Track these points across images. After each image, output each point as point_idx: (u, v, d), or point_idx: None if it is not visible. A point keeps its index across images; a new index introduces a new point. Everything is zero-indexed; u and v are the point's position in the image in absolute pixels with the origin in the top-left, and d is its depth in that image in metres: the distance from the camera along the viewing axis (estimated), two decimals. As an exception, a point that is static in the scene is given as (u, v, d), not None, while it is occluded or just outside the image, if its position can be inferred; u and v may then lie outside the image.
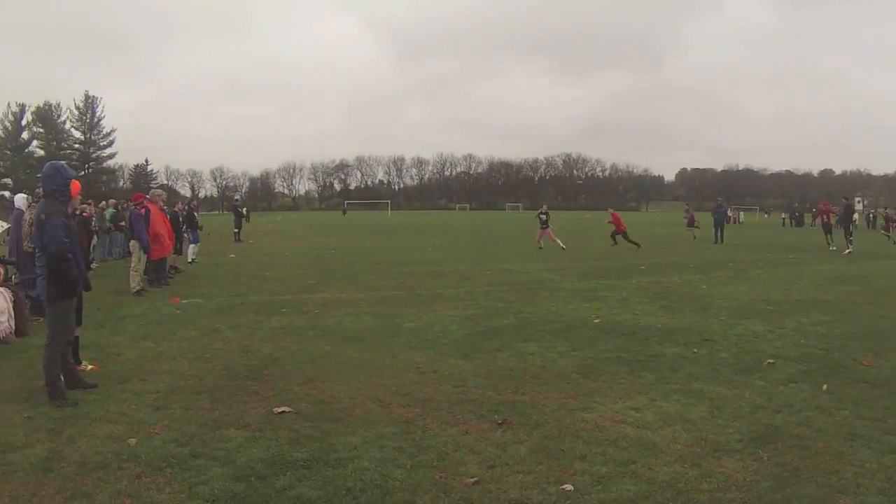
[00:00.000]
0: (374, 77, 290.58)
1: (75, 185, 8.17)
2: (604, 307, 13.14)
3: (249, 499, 4.81)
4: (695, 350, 9.42)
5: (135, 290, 15.23)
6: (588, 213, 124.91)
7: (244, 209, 52.66)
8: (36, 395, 7.24)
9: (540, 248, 29.15)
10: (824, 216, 31.10)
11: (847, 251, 27.42)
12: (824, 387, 7.51)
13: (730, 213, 74.02)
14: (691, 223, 38.46)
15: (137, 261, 15.69)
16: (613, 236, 30.46)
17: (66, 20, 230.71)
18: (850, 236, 28.78)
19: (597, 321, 11.59)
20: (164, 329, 11.08)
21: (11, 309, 10.17)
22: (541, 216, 30.09)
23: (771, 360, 8.72)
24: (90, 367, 8.56)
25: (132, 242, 15.97)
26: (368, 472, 5.22)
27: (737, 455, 5.57)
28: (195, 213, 25.26)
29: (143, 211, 16.10)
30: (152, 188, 21.55)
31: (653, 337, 10.32)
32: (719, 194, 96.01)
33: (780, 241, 35.62)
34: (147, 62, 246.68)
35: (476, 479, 5.10)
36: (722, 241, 33.42)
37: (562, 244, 28.65)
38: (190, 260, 22.99)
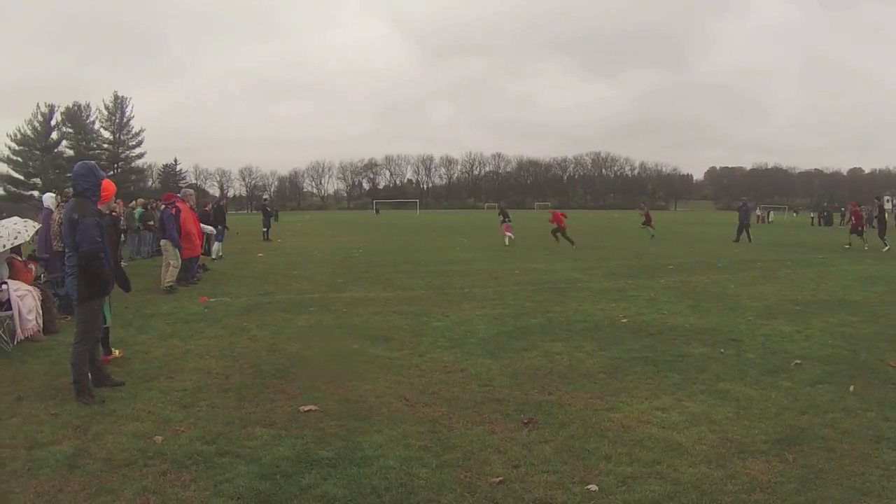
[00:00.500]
0: (402, 77, 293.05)
1: (111, 187, 8.35)
2: (631, 307, 13.04)
3: (274, 496, 4.81)
4: (722, 350, 9.33)
5: (167, 286, 15.47)
6: (617, 212, 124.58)
7: (274, 209, 52.82)
8: (63, 393, 7.30)
9: (506, 244, 30.82)
10: (854, 217, 30.97)
11: (885, 248, 27.61)
12: (851, 388, 7.40)
13: (758, 212, 73.88)
14: (648, 221, 38.38)
15: (176, 259, 15.87)
16: (555, 233, 31.27)
17: (98, 22, 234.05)
18: (885, 235, 28.76)
19: (624, 321, 11.51)
20: (192, 327, 11.14)
21: (40, 307, 10.26)
22: (502, 212, 33.67)
23: (798, 361, 8.62)
24: (117, 352, 8.88)
25: (164, 241, 16.03)
26: (394, 471, 5.22)
27: (762, 456, 5.51)
28: (224, 210, 25.47)
29: (173, 210, 16.21)
30: (182, 187, 21.69)
31: (680, 337, 10.23)
32: (748, 193, 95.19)
33: (808, 241, 35.16)
34: (178, 63, 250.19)
35: (501, 478, 5.08)
36: (750, 240, 33.25)
37: (506, 241, 31.12)
38: (215, 257, 23.20)
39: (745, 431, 6.09)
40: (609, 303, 13.59)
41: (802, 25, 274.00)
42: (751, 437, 5.94)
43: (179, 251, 15.95)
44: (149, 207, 27.04)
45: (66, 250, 7.45)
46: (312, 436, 6.03)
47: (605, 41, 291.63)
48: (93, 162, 8.13)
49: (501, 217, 32.87)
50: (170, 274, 15.69)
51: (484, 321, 11.54)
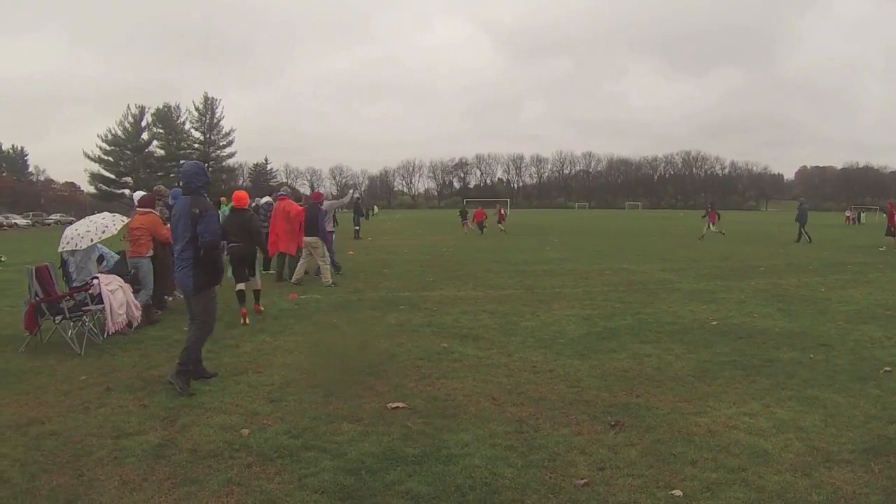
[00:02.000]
0: (491, 77, 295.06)
1: (245, 196, 9.16)
2: (721, 309, 12.75)
3: (358, 492, 4.81)
4: (811, 355, 9.02)
5: (329, 283, 16.16)
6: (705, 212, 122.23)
7: (374, 207, 53.39)
8: (151, 385, 7.51)
9: (465, 232, 42.67)
10: (889, 217, 29.94)
11: None
12: (941, 398, 7.08)
13: (849, 214, 73.36)
14: (501, 220, 44.82)
15: (326, 255, 16.54)
16: (480, 226, 42.21)
17: (192, 28, 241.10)
18: None
19: (714, 323, 11.25)
20: (281, 324, 11.30)
21: (131, 302, 10.49)
22: (462, 212, 47.84)
23: (887, 369, 8.27)
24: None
25: (313, 239, 16.27)
26: (479, 470, 5.18)
27: (848, 466, 5.31)
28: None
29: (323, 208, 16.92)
30: (284, 184, 22.12)
31: (770, 341, 9.94)
32: (839, 193, 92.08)
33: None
34: (269, 66, 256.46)
35: (586, 480, 5.00)
36: (799, 240, 33.20)
37: (470, 229, 42.98)
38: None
39: (832, 440, 5.89)
40: (699, 305, 13.31)
41: (888, 19, 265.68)
42: (837, 446, 5.73)
43: (328, 246, 16.82)
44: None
45: (178, 244, 7.53)
46: (399, 433, 6.02)
47: (691, 40, 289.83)
48: (201, 162, 8.44)
49: (461, 217, 46.17)
50: (324, 273, 16.40)
51: (573, 322, 11.41)
